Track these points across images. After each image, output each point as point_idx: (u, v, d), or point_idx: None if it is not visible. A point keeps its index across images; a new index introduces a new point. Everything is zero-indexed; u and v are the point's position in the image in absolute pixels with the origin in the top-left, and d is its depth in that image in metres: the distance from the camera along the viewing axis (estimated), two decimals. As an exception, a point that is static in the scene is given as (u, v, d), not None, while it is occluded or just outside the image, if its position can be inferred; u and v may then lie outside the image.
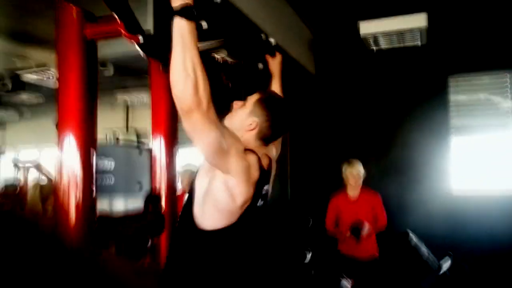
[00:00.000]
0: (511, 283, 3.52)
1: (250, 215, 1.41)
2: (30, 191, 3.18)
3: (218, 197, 1.32)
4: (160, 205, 1.98)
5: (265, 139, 1.47)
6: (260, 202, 1.46)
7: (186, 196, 1.43)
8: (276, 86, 1.99)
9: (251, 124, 1.44)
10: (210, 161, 1.31)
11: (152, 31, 1.62)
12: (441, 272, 2.18)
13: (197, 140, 1.24)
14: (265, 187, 1.47)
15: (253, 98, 1.49)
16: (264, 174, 1.43)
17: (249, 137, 1.44)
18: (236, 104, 1.51)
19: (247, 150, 1.38)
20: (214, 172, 1.32)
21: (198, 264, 1.39)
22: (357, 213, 3.31)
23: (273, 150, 1.64)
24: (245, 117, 1.46)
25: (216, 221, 1.35)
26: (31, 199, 3.08)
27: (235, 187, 1.31)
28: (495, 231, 3.54)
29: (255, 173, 1.37)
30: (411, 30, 3.43)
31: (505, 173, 3.78)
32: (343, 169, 3.48)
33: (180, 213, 1.43)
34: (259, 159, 1.40)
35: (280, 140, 1.70)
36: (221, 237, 1.37)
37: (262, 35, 2.05)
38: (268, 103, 1.48)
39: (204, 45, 1.86)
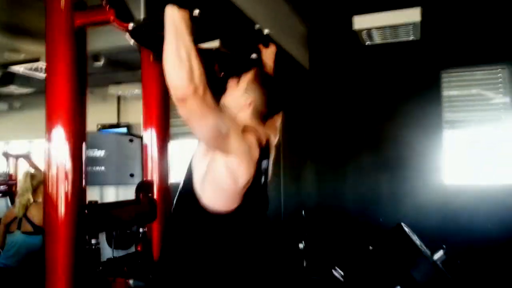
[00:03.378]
0: (504, 274, 3.56)
1: (255, 194, 1.40)
2: (21, 180, 3.17)
3: (219, 179, 1.30)
4: (152, 193, 1.97)
5: (261, 116, 1.47)
6: (262, 179, 1.44)
7: (183, 179, 1.40)
8: None
9: (246, 101, 1.44)
10: (211, 145, 1.30)
11: (143, 19, 1.60)
12: (432, 260, 2.19)
13: (195, 126, 1.22)
14: (264, 162, 1.45)
15: (247, 76, 1.49)
16: (263, 151, 1.42)
17: (245, 115, 1.45)
18: (231, 82, 1.50)
19: (245, 129, 1.37)
20: (214, 155, 1.30)
21: (200, 245, 1.35)
22: None
23: (272, 130, 1.63)
24: (240, 95, 1.46)
25: (219, 203, 1.32)
26: (22, 187, 3.06)
27: (237, 168, 1.29)
28: (487, 223, 3.58)
29: (255, 152, 1.36)
30: (405, 25, 3.42)
31: (497, 166, 3.80)
32: None
33: (178, 196, 1.40)
34: (258, 137, 1.40)
35: (278, 126, 1.68)
36: (226, 220, 1.34)
37: (257, 25, 2.03)
38: (262, 80, 1.49)
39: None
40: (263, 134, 1.47)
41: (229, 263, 1.37)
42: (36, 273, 2.75)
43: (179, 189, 1.42)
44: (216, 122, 1.22)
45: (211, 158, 1.31)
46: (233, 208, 1.34)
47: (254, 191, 1.39)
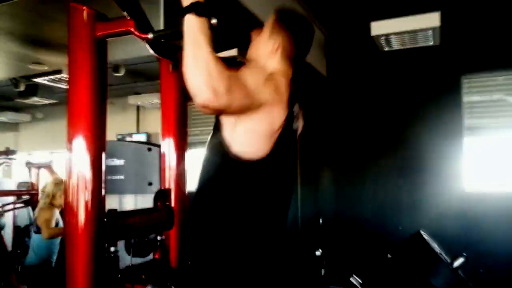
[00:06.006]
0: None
1: (286, 139, 1.38)
2: (48, 188, 3.36)
3: (253, 123, 1.29)
4: (170, 201, 1.98)
5: (291, 58, 1.46)
6: (294, 125, 1.42)
7: (210, 136, 1.39)
8: None
9: (273, 46, 1.43)
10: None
11: (162, 29, 1.63)
12: (452, 267, 2.13)
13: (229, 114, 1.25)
14: (295, 106, 1.43)
15: (270, 20, 1.48)
16: (293, 94, 1.41)
17: (275, 61, 1.43)
18: (254, 33, 1.50)
19: (275, 73, 1.37)
20: None
21: (231, 197, 1.33)
22: None
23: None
24: (266, 42, 1.45)
25: (251, 148, 1.31)
26: (43, 194, 3.26)
27: (270, 111, 1.29)
28: (510, 231, 3.47)
29: (285, 95, 1.35)
30: (424, 30, 3.38)
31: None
32: None
33: (207, 146, 1.39)
34: (288, 80, 1.39)
35: (302, 116, 1.65)
36: (259, 167, 1.32)
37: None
38: (286, 20, 1.47)
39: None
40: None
41: (260, 218, 1.35)
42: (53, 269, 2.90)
43: (205, 151, 1.40)
44: (252, 101, 1.24)
45: None
46: (265, 153, 1.31)
47: (285, 136, 1.36)
